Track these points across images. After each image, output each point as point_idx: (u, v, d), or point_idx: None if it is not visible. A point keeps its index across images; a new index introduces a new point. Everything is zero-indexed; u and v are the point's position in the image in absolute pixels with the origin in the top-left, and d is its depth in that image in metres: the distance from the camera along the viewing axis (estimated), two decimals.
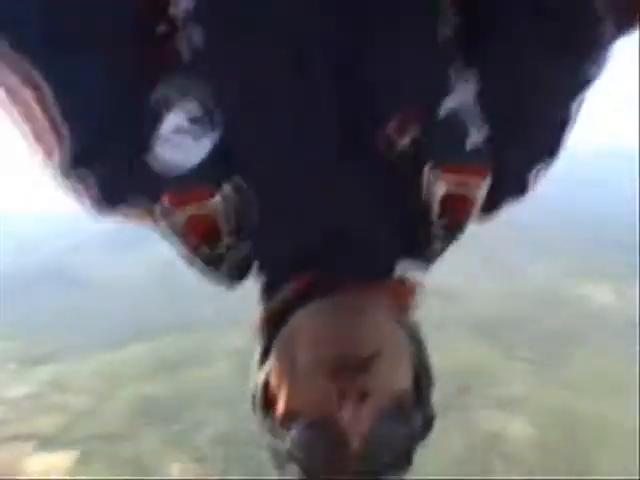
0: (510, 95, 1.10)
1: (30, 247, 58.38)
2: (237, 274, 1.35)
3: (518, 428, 27.69)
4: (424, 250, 1.32)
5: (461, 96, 1.05)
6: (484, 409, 28.81)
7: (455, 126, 1.06)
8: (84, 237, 62.00)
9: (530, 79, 1.07)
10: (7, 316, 40.94)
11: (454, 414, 28.59)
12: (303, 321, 1.13)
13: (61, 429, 29.30)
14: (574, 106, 1.17)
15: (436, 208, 1.15)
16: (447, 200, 1.13)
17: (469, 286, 42.65)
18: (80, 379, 34.10)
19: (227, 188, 1.08)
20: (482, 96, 1.08)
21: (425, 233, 1.25)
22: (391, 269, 1.27)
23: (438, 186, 1.10)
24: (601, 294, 42.80)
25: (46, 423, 29.99)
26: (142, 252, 58.99)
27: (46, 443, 28.24)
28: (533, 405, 29.31)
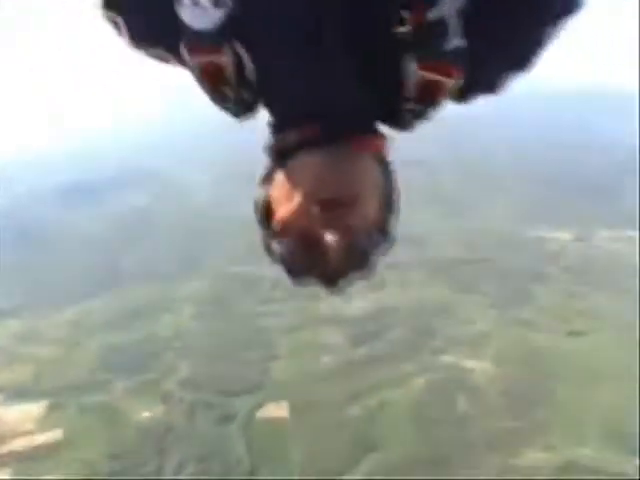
0: (490, 12, 1.29)
1: None
2: (243, 112, 1.62)
3: (480, 365, 28.85)
4: (398, 120, 1.58)
5: (448, 7, 1.26)
6: (447, 347, 29.83)
7: (439, 29, 1.28)
8: (42, 189, 62.16)
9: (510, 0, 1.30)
10: None
11: (418, 355, 29.65)
12: (307, 160, 1.41)
13: (31, 380, 29.59)
14: (550, 30, 1.34)
15: (412, 89, 1.41)
16: (421, 84, 1.39)
17: (428, 228, 43.34)
18: (47, 331, 34.09)
19: (233, 49, 1.38)
20: (465, 10, 1.28)
21: (400, 106, 1.51)
22: (372, 127, 1.55)
23: (415, 74, 1.36)
24: (559, 235, 44.40)
25: (15, 375, 30.20)
26: (103, 205, 58.70)
27: (16, 394, 28.52)
28: (494, 342, 30.47)
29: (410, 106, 1.47)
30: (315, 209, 1.35)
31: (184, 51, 1.38)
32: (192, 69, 1.43)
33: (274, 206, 1.47)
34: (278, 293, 34.32)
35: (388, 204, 1.53)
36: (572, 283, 36.09)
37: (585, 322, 31.61)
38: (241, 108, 1.58)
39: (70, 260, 43.68)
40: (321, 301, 32.39)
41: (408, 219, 48.27)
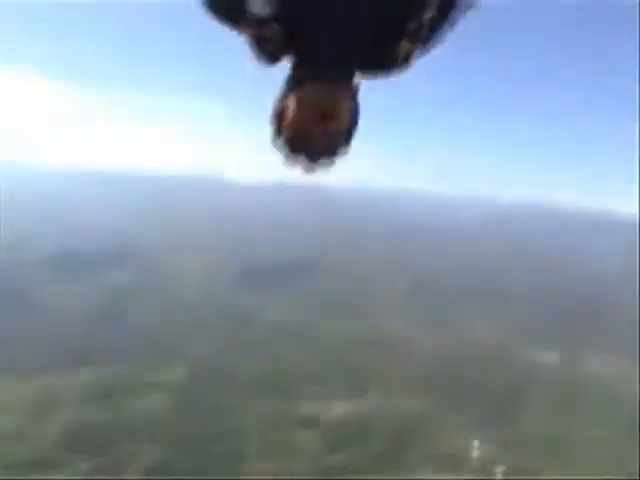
0: None
1: None
2: (273, 59, 2.54)
3: None
4: (387, 60, 2.59)
5: None
6: (423, 463, 28.91)
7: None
8: (36, 257, 62.05)
9: None
10: None
11: (394, 469, 28.69)
12: (311, 87, 2.37)
13: None
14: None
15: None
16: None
17: (413, 339, 42.96)
18: (15, 400, 33.04)
19: (273, 28, 2.42)
20: None
21: (394, 48, 2.53)
22: (354, 78, 2.50)
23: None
24: (546, 357, 43.99)
25: None
26: (92, 280, 58.32)
27: None
28: (472, 462, 29.60)
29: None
30: (311, 116, 2.39)
31: (245, 25, 2.46)
32: (245, 37, 2.49)
33: (285, 114, 2.47)
34: (255, 390, 33.95)
35: (354, 121, 2.52)
36: (558, 408, 35.59)
37: (568, 451, 30.90)
38: (272, 58, 2.55)
39: (46, 330, 42.81)
40: (300, 402, 31.97)
41: (394, 327, 48.51)
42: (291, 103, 2.43)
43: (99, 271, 59.69)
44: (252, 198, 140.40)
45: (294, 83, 2.47)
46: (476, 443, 31.14)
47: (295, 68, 2.51)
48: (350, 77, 2.49)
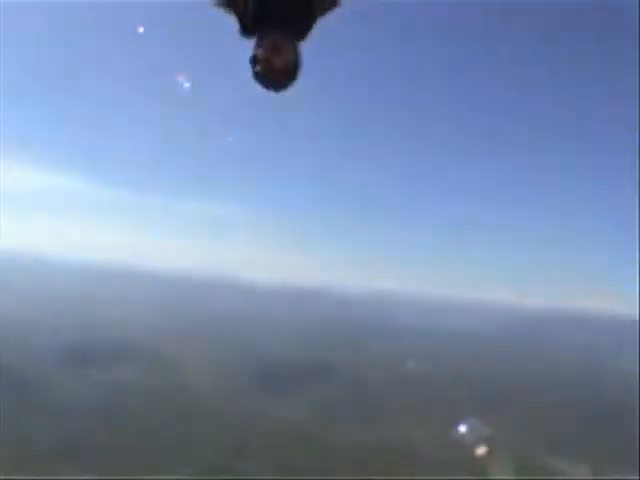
0: None
1: None
2: (247, 33, 4.42)
3: None
4: (308, 25, 4.51)
5: None
6: None
7: None
8: (45, 347, 62.04)
9: None
10: None
11: None
12: (269, 37, 4.20)
13: None
14: None
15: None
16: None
17: (425, 443, 40.18)
18: None
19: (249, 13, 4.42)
20: None
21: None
22: (293, 33, 4.33)
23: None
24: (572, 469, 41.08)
25: None
26: (96, 373, 58.49)
27: None
28: None
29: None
30: (270, 51, 4.12)
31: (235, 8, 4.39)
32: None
33: (257, 57, 4.16)
34: None
35: (298, 61, 4.23)
36: None
37: None
38: (247, 32, 4.36)
39: (41, 424, 41.20)
40: None
41: (406, 432, 46.20)
42: (259, 50, 4.14)
43: (110, 367, 59.11)
44: (269, 301, 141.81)
45: (260, 40, 4.20)
46: None
47: (259, 38, 4.22)
48: (291, 34, 4.26)
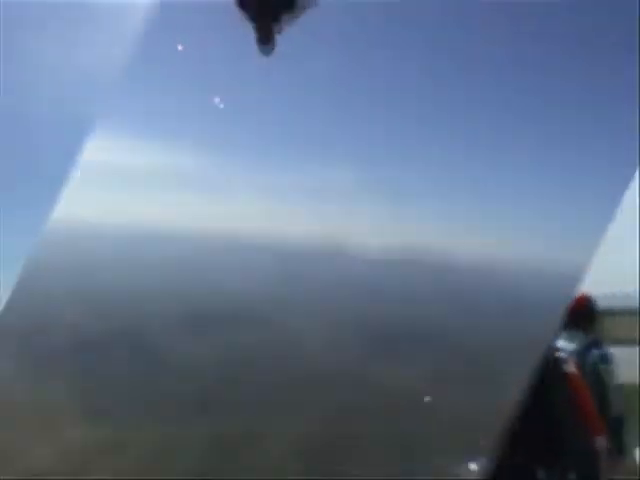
0: None
1: None
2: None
3: None
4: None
5: None
6: None
7: None
8: (169, 314, 66.78)
9: None
10: None
11: None
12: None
13: None
14: None
15: None
16: None
17: None
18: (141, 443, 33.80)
19: None
20: None
21: None
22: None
23: None
24: None
25: None
26: (220, 341, 61.89)
27: None
28: None
29: None
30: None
31: None
32: None
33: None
34: (375, 455, 32.29)
35: None
36: None
37: None
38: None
39: (172, 383, 44.83)
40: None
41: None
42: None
43: (227, 332, 62.83)
44: (380, 269, 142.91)
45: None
46: None
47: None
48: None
